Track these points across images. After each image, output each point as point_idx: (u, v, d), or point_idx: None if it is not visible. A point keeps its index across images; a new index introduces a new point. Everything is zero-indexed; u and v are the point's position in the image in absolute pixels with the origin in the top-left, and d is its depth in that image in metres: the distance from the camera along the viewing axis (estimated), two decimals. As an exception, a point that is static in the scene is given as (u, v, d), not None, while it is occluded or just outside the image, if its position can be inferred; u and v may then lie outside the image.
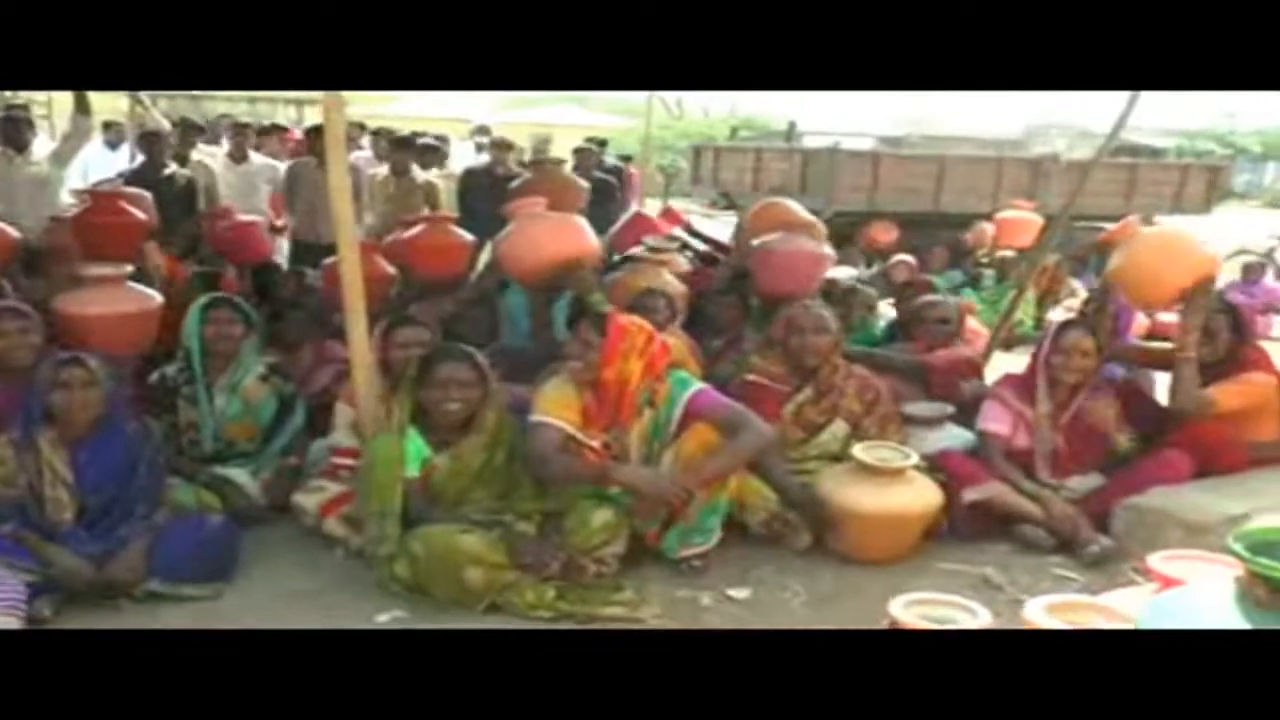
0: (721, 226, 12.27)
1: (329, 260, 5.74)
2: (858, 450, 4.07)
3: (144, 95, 8.82)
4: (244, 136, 7.93)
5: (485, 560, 3.43)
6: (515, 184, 6.55)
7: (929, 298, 5.66)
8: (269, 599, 3.60)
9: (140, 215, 5.74)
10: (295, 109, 22.59)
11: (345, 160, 3.94)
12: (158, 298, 4.87)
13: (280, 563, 3.89)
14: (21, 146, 6.84)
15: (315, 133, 7.86)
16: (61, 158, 7.06)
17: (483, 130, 10.89)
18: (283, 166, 8.17)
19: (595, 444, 3.84)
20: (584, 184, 6.57)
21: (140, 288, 4.88)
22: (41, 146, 7.54)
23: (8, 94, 14.98)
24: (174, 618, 3.41)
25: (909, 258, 8.95)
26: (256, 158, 8.62)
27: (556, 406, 3.82)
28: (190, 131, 7.78)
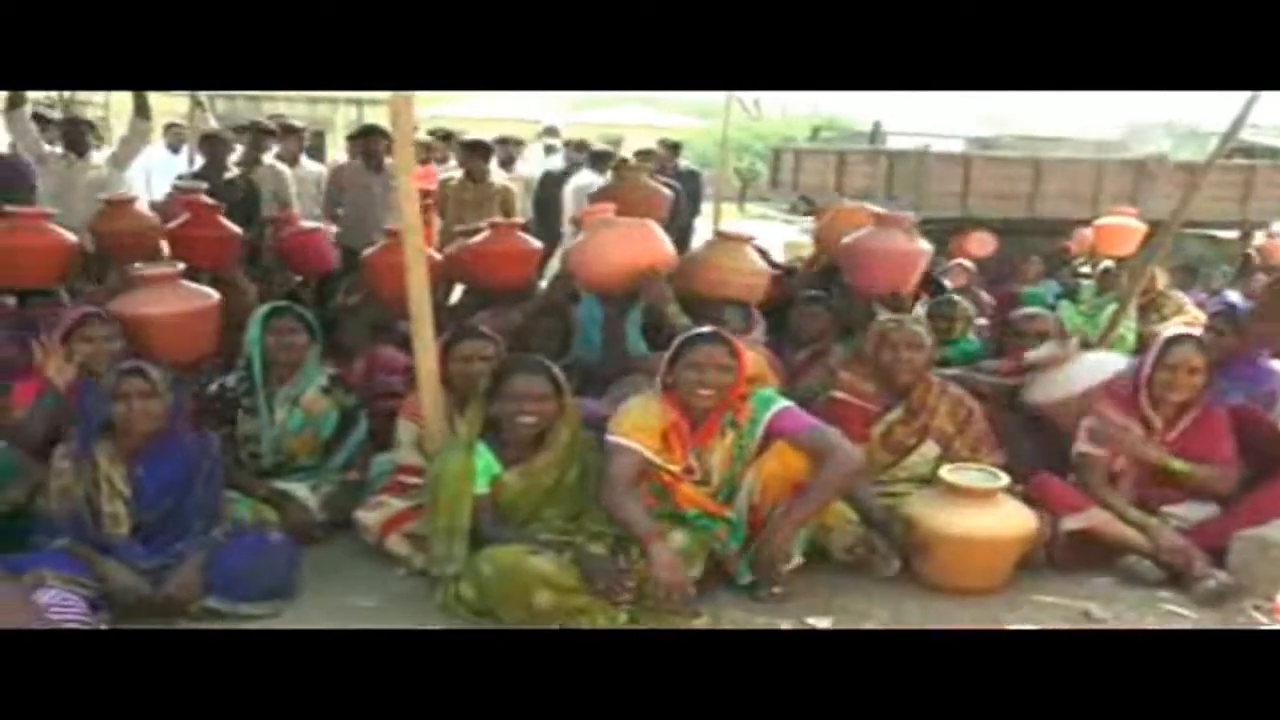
0: (799, 233, 12.24)
1: (368, 251, 5.88)
2: (945, 471, 4.01)
3: (203, 97, 9.01)
4: (297, 140, 7.99)
5: (556, 583, 3.42)
6: (593, 192, 6.56)
7: (1027, 310, 5.55)
8: (327, 619, 3.61)
9: (235, 229, 5.86)
10: (355, 109, 22.91)
11: (412, 164, 3.97)
12: (214, 295, 4.90)
13: (340, 581, 3.91)
14: (82, 150, 7.08)
15: (364, 135, 7.95)
16: (120, 161, 7.23)
17: (551, 131, 10.93)
18: (285, 170, 8.22)
19: (675, 468, 3.81)
20: (667, 191, 6.57)
21: (195, 286, 4.90)
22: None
23: (65, 96, 15.44)
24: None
25: (967, 261, 8.75)
26: (307, 162, 8.74)
27: (638, 428, 3.77)
28: (261, 135, 7.87)
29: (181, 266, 4.93)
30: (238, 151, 8.00)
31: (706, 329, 3.98)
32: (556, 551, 3.53)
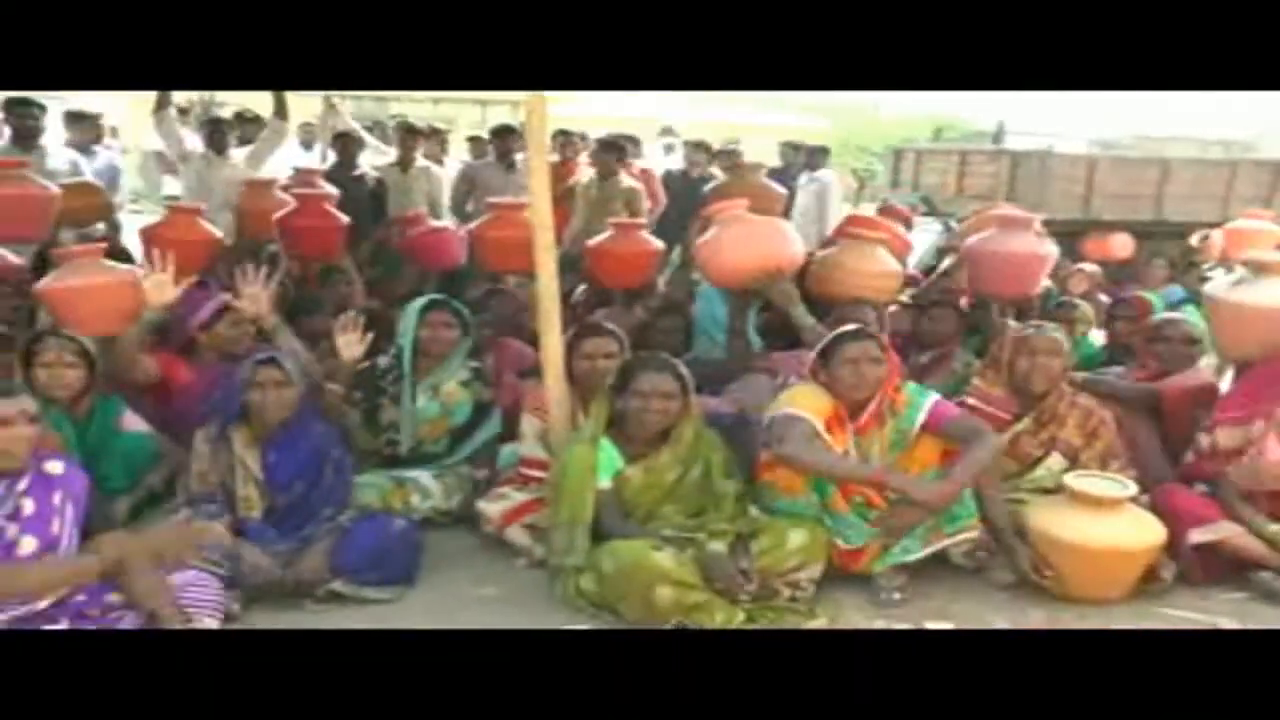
0: (921, 234, 12.02)
1: (475, 222, 6.01)
2: (1070, 479, 3.89)
3: (336, 99, 9.19)
4: (414, 140, 8.09)
5: (676, 579, 3.38)
6: (709, 187, 6.53)
7: (1171, 315, 5.33)
8: (448, 606, 3.65)
9: (342, 218, 5.95)
10: (479, 109, 23.13)
11: (546, 163, 3.98)
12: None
13: (460, 569, 3.95)
14: (221, 149, 7.27)
15: (498, 134, 8.02)
16: (257, 158, 7.40)
17: (670, 131, 10.92)
18: (441, 171, 8.30)
19: (837, 450, 3.80)
20: (783, 190, 6.49)
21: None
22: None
23: (204, 97, 15.91)
24: (354, 619, 3.50)
25: (1089, 267, 8.44)
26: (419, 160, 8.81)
27: (806, 405, 3.78)
28: (410, 136, 8.00)
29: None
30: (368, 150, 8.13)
31: (854, 326, 4.00)
32: (677, 548, 3.51)
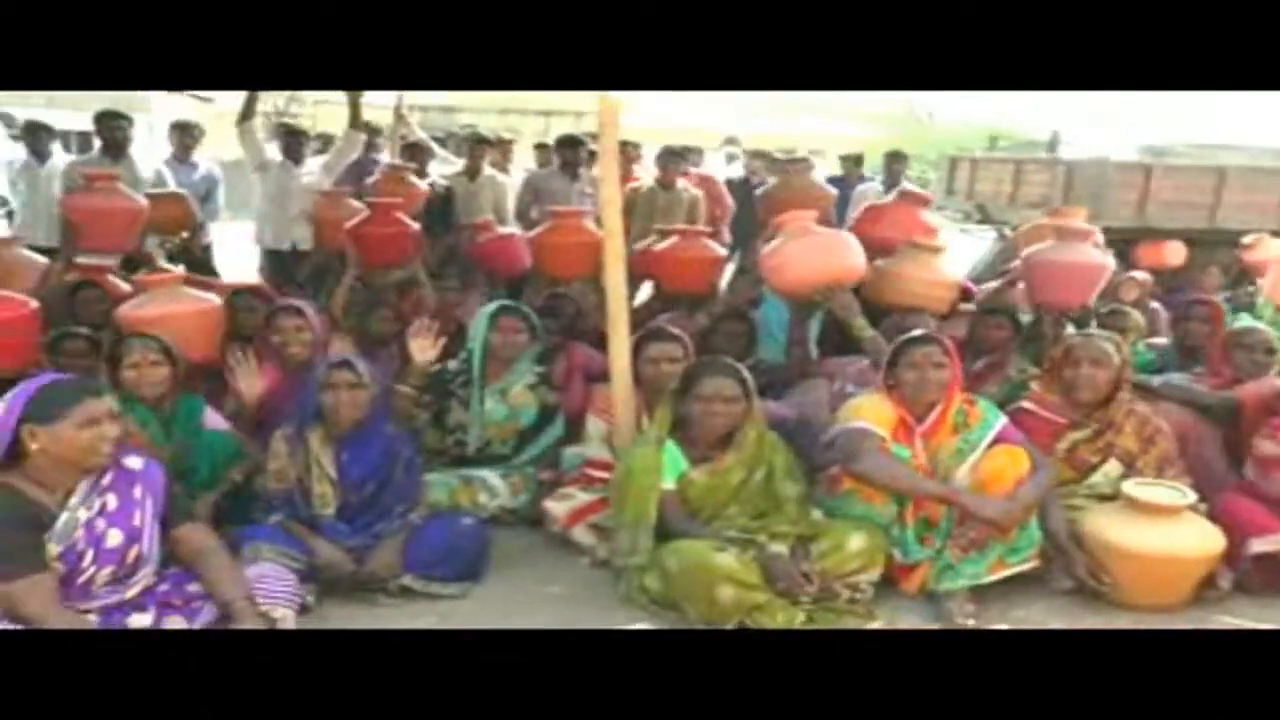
0: (976, 241, 11.89)
1: (535, 230, 6.07)
2: (1129, 486, 3.83)
3: (405, 109, 9.27)
4: (482, 150, 8.15)
5: (739, 579, 3.38)
6: (761, 191, 6.53)
7: (1251, 323, 5.20)
8: (513, 602, 3.68)
9: (412, 225, 6.02)
10: (543, 120, 23.28)
11: (617, 172, 4.00)
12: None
13: (527, 567, 3.98)
14: (298, 158, 7.38)
15: (563, 144, 8.06)
16: (331, 168, 7.49)
17: (733, 140, 10.92)
18: (508, 180, 8.34)
19: (907, 464, 3.79)
20: (833, 192, 6.46)
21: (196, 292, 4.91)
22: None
23: (278, 106, 16.16)
24: (423, 613, 3.56)
25: (1140, 274, 8.28)
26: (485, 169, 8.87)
27: (872, 417, 3.80)
28: (479, 146, 8.04)
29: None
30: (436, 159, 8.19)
31: (919, 331, 4.01)
32: (740, 549, 3.50)
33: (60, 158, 8.25)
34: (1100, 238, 5.59)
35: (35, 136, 8.15)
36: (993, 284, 6.31)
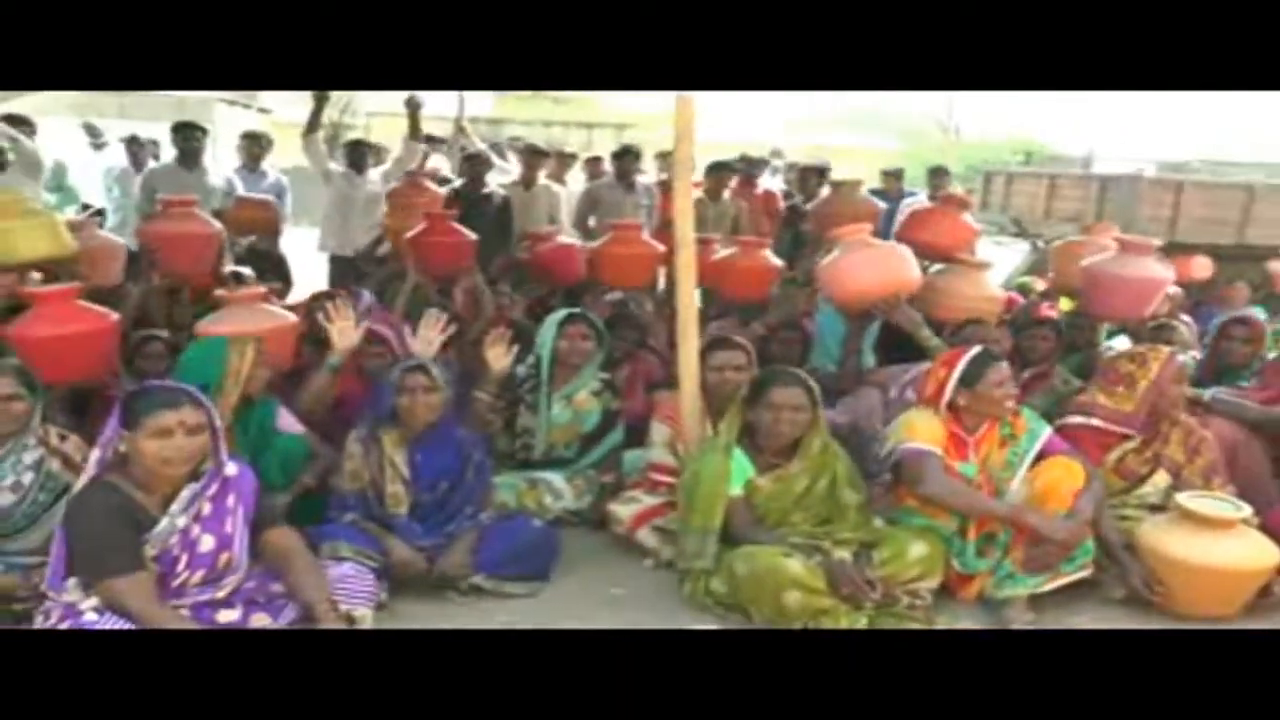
0: (1009, 254, 11.79)
1: (597, 242, 6.09)
2: (1184, 498, 3.77)
3: (465, 121, 9.30)
4: (537, 161, 8.15)
5: (805, 585, 3.37)
6: (811, 205, 6.51)
7: None
8: (581, 602, 3.68)
9: (470, 235, 6.03)
10: (585, 132, 23.31)
11: (690, 184, 3.98)
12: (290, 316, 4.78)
13: (591, 568, 3.97)
14: (361, 169, 7.41)
15: (619, 156, 8.05)
16: (391, 178, 7.51)
17: (777, 153, 10.86)
18: (562, 190, 8.31)
19: (964, 482, 3.78)
20: (882, 206, 6.42)
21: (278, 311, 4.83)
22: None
23: (334, 119, 16.23)
24: (493, 612, 3.56)
25: (1171, 288, 8.15)
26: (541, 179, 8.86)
27: (927, 435, 3.78)
28: (534, 156, 8.02)
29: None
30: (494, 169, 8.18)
31: (984, 348, 3.98)
32: (804, 555, 3.48)
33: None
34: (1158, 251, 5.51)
35: (138, 146, 8.33)
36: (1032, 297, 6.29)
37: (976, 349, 3.94)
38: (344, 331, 4.27)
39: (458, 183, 7.60)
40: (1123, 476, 4.10)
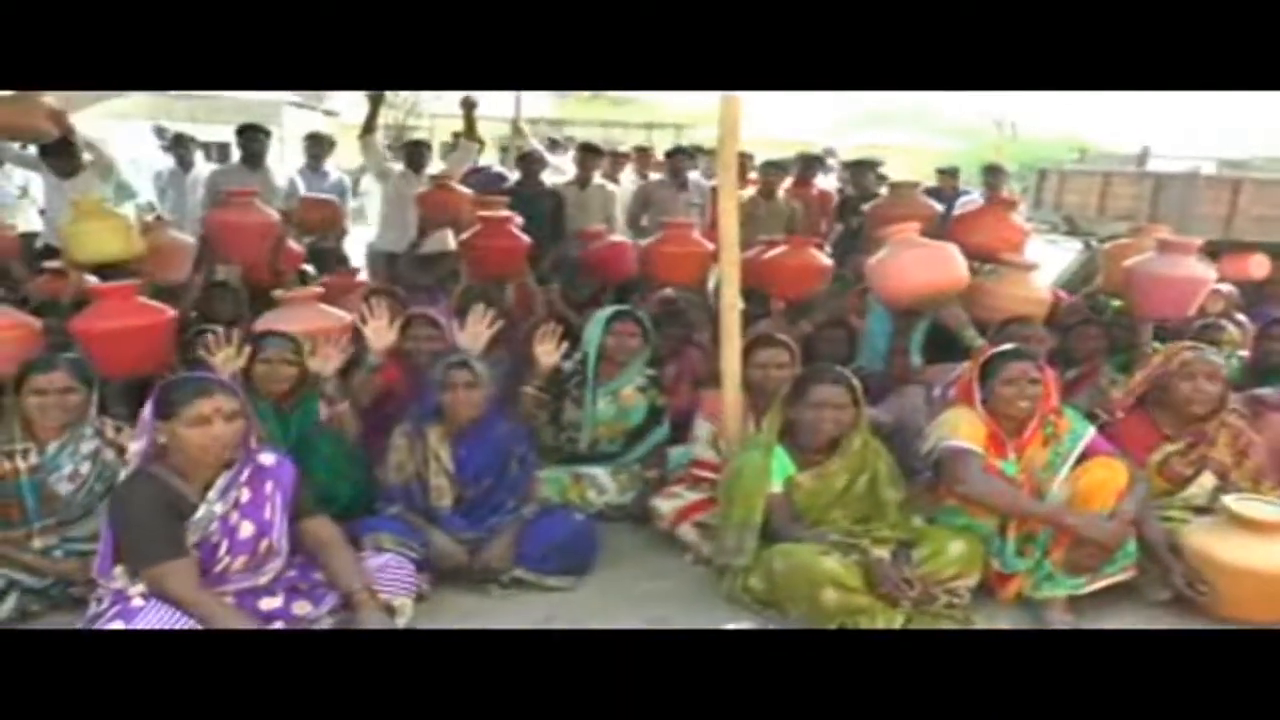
0: (1062, 252, 11.56)
1: (649, 240, 6.10)
2: (1231, 501, 3.66)
3: (523, 123, 9.33)
4: (592, 160, 8.16)
5: (843, 583, 3.31)
6: (869, 205, 6.43)
7: None
8: (620, 596, 3.67)
9: (524, 238, 6.03)
10: (644, 133, 23.31)
11: (735, 183, 3.95)
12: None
13: (631, 562, 3.95)
14: (419, 168, 7.46)
15: (672, 155, 8.02)
16: (449, 176, 7.55)
17: (830, 152, 10.77)
18: (615, 188, 8.30)
19: (1005, 480, 3.70)
20: (938, 207, 6.32)
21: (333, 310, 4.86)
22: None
23: (398, 120, 16.37)
24: (533, 604, 3.56)
25: (1225, 287, 7.90)
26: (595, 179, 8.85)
27: (967, 433, 3.71)
28: (590, 155, 8.04)
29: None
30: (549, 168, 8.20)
31: (1012, 346, 3.91)
32: (843, 553, 3.42)
33: (203, 167, 8.52)
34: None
35: (182, 147, 8.46)
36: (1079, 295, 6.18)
37: (1001, 348, 3.88)
38: (379, 331, 4.29)
39: (512, 180, 7.62)
40: (1167, 479, 3.99)
